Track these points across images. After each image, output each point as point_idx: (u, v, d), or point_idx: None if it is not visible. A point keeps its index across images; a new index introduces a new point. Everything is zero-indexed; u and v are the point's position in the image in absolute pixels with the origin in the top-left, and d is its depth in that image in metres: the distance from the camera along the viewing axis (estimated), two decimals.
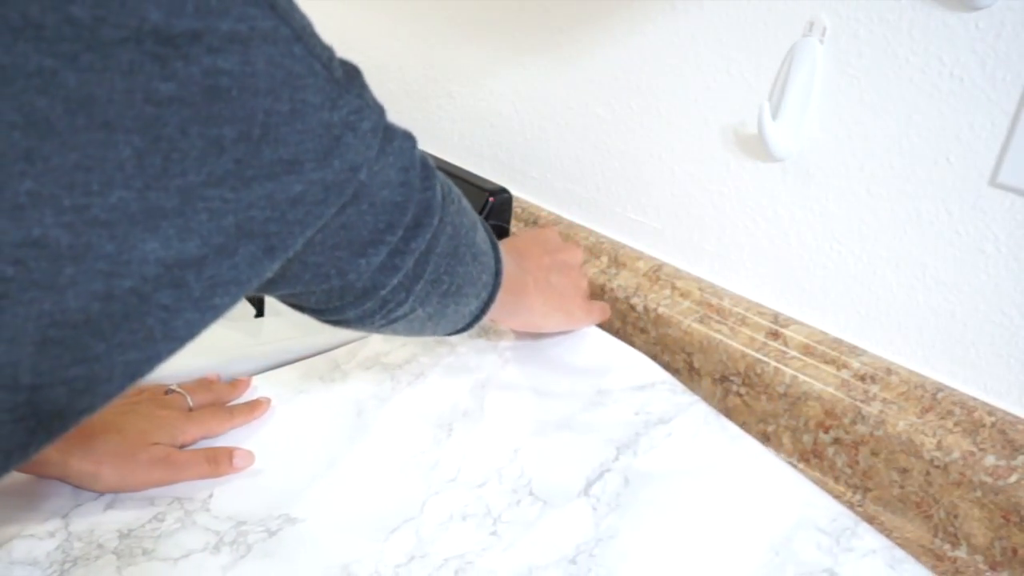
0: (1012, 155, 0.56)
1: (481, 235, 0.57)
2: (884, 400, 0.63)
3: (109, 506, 0.57)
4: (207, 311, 0.39)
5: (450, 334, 0.61)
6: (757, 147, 0.69)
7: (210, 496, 0.59)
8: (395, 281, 0.49)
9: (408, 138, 0.48)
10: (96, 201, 0.34)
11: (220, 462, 0.60)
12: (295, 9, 0.39)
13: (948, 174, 0.60)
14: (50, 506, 0.56)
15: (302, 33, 0.39)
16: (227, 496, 0.59)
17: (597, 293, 0.80)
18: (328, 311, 0.51)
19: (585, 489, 0.62)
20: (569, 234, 0.84)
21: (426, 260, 0.51)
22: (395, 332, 0.56)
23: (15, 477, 0.57)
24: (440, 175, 0.52)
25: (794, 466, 0.68)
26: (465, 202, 0.56)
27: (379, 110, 0.45)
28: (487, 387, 0.71)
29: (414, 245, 0.49)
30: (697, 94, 0.73)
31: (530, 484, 0.62)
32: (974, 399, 0.61)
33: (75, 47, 0.33)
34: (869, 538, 0.58)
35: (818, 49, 0.64)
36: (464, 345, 0.75)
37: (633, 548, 0.57)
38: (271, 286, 0.47)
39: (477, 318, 0.60)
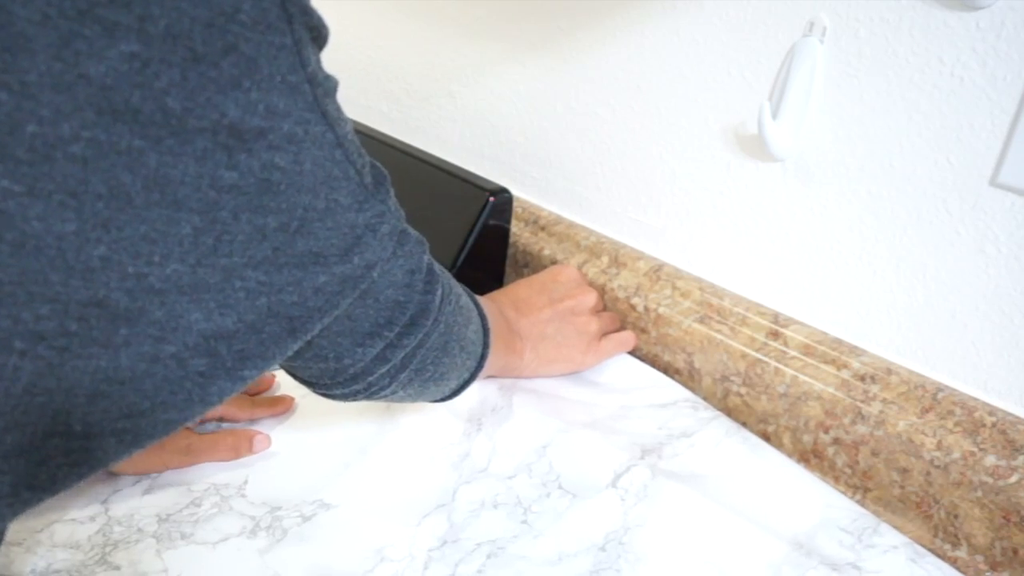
0: (1012, 155, 0.56)
1: (474, 327, 0.61)
2: (884, 400, 0.63)
3: (147, 491, 0.59)
4: (237, 381, 0.43)
5: (433, 401, 0.64)
6: (757, 147, 0.69)
7: (245, 482, 0.61)
8: (383, 370, 0.53)
9: (420, 243, 0.52)
10: (155, 271, 0.38)
11: (240, 448, 0.63)
12: (341, 117, 0.43)
13: (948, 174, 0.60)
14: (89, 491, 0.58)
15: (343, 140, 0.43)
16: (262, 482, 0.61)
17: (599, 293, 0.80)
18: (319, 385, 0.54)
19: (613, 481, 0.63)
20: (569, 234, 0.84)
21: (414, 355, 0.54)
22: (380, 401, 0.59)
23: None
24: (444, 278, 0.55)
25: (794, 466, 0.69)
26: (464, 300, 0.59)
27: (399, 215, 0.48)
28: (514, 389, 0.73)
29: (407, 341, 0.52)
30: (697, 94, 0.73)
31: (559, 479, 0.64)
32: (974, 399, 0.61)
33: (161, 132, 0.36)
34: (890, 536, 0.60)
35: (818, 49, 0.64)
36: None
37: (661, 536, 0.59)
38: None
39: (456, 393, 0.63)
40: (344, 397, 0.55)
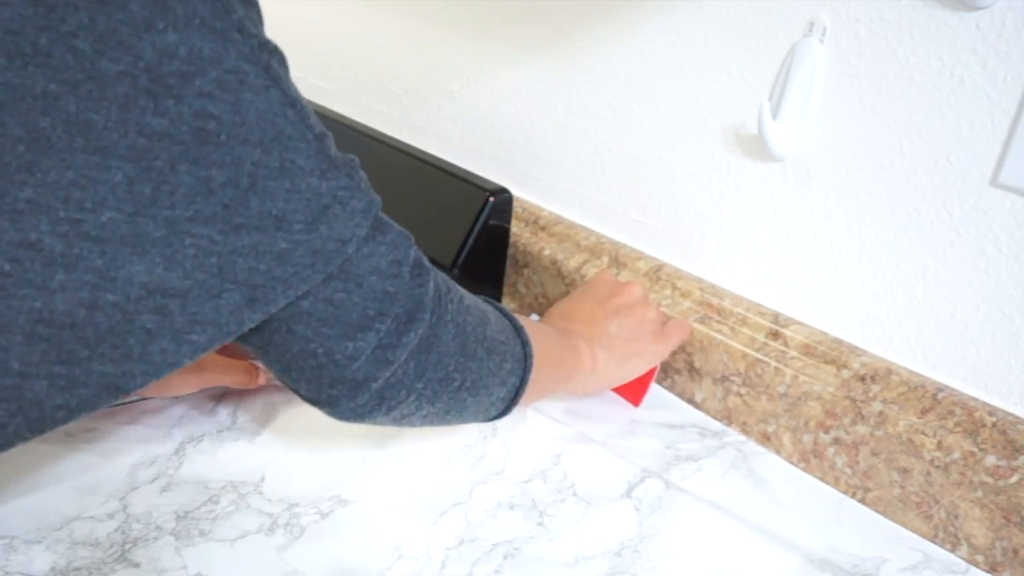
0: (1013, 155, 0.56)
1: (494, 327, 0.56)
2: (884, 400, 0.63)
3: (165, 489, 0.59)
4: (183, 344, 0.42)
5: (486, 421, 0.60)
6: (757, 147, 0.69)
7: (262, 479, 0.61)
8: (387, 375, 0.49)
9: (404, 236, 0.49)
10: (89, 218, 0.38)
11: (253, 376, 0.65)
12: (293, 84, 0.42)
13: (948, 174, 0.60)
14: (107, 489, 0.59)
15: (295, 102, 0.42)
16: (279, 479, 0.61)
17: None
18: (323, 401, 0.51)
19: (628, 492, 0.64)
20: (569, 234, 0.84)
21: (426, 359, 0.51)
22: (412, 425, 0.55)
23: (70, 461, 0.61)
24: (439, 276, 0.52)
25: (794, 466, 0.69)
26: (469, 299, 0.56)
27: (372, 200, 0.47)
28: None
29: (406, 340, 0.49)
30: (697, 94, 0.73)
31: (574, 486, 0.64)
32: (974, 399, 0.61)
33: (77, 76, 0.36)
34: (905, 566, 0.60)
35: (818, 49, 0.64)
36: None
37: (676, 546, 0.59)
38: (263, 351, 0.49)
39: (512, 402, 0.59)
40: (360, 416, 0.51)
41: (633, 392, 0.74)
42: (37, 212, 0.37)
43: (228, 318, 0.43)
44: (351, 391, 0.49)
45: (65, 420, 0.43)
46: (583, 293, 0.73)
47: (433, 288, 0.51)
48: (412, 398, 0.52)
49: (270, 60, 0.41)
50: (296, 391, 0.51)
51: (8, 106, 0.36)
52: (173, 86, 0.38)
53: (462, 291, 0.56)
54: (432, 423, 0.56)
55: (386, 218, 0.49)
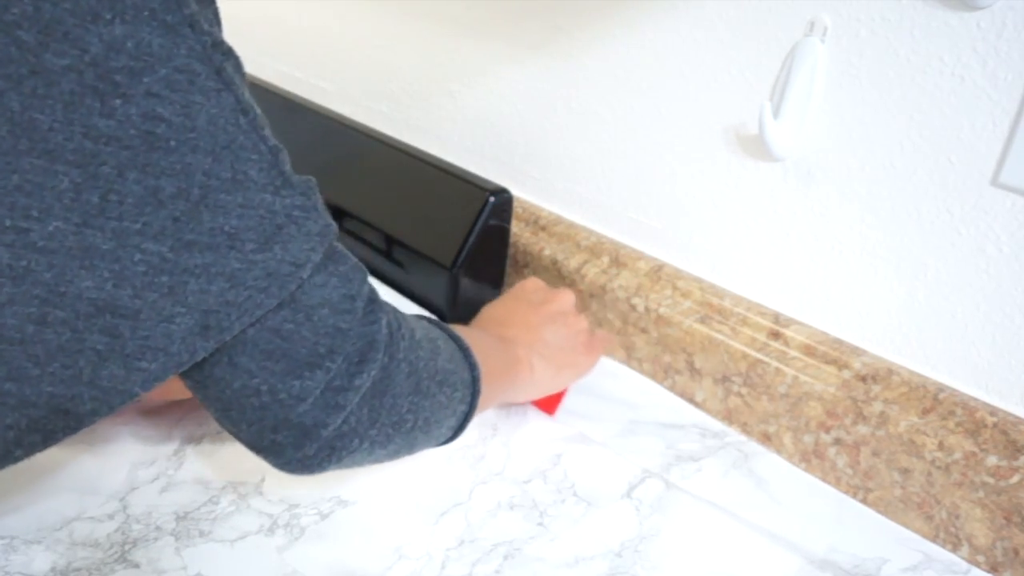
0: (1013, 155, 0.56)
1: (444, 356, 0.54)
2: (885, 400, 0.63)
3: (164, 489, 0.59)
4: (133, 371, 0.41)
5: (435, 447, 0.58)
6: (758, 147, 0.69)
7: (262, 480, 0.61)
8: (339, 421, 0.46)
9: (359, 270, 0.47)
10: (35, 227, 0.37)
11: None
12: (247, 92, 0.40)
13: (949, 174, 0.60)
14: (107, 489, 0.59)
15: (249, 109, 0.40)
16: (279, 479, 0.61)
17: (599, 293, 0.80)
18: (266, 448, 0.47)
19: (628, 492, 0.64)
20: (569, 234, 0.84)
21: (380, 403, 0.48)
22: (360, 466, 0.52)
23: (69, 461, 0.61)
24: (390, 310, 0.49)
25: (795, 466, 0.69)
26: (420, 331, 0.53)
27: (328, 224, 0.44)
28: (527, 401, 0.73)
29: (358, 382, 0.46)
30: (698, 94, 0.72)
31: (574, 486, 0.64)
32: (975, 399, 0.61)
33: (21, 70, 0.35)
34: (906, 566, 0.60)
35: (819, 49, 0.64)
36: None
37: (676, 546, 0.59)
38: (202, 386, 0.45)
39: (460, 428, 0.57)
40: (305, 465, 0.47)
41: (548, 402, 0.72)
42: None
43: (180, 346, 0.41)
44: (298, 439, 0.46)
45: (16, 443, 0.41)
46: (516, 298, 0.72)
47: (386, 326, 0.48)
48: (365, 445, 0.49)
49: (224, 62, 0.39)
50: (236, 435, 0.47)
51: None
52: (120, 83, 0.36)
53: (412, 323, 0.53)
54: (380, 462, 0.54)
55: (341, 248, 0.46)
